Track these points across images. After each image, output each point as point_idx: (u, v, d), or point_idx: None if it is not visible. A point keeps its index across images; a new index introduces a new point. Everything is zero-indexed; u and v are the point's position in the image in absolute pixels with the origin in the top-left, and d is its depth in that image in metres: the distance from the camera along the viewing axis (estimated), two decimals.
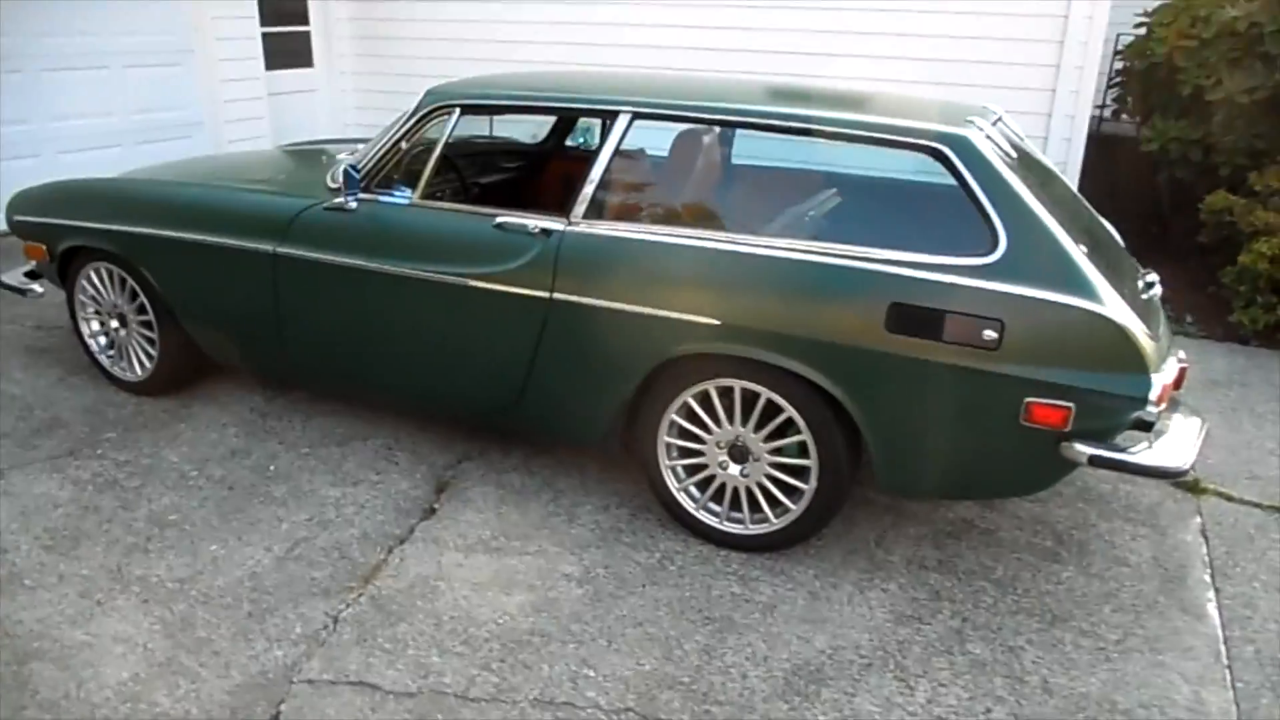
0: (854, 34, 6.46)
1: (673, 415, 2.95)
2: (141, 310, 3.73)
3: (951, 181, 2.70)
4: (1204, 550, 3.14)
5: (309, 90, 8.16)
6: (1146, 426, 2.69)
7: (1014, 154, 2.92)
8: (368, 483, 3.32)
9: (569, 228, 2.96)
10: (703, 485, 3.02)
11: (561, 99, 3.24)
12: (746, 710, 2.36)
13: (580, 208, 2.98)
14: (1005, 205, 2.62)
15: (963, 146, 2.68)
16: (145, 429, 3.65)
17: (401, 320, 3.22)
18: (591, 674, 2.46)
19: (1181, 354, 2.80)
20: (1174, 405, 2.88)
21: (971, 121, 2.80)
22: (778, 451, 2.87)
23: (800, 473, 2.85)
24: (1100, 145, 6.92)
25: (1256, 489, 3.51)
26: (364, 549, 2.95)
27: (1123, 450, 2.57)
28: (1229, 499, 3.46)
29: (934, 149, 2.71)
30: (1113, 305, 2.51)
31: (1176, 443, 2.70)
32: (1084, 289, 2.52)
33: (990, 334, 2.53)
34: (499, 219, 3.04)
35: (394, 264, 3.14)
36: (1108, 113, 8.17)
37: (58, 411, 3.77)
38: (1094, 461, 2.56)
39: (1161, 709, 2.42)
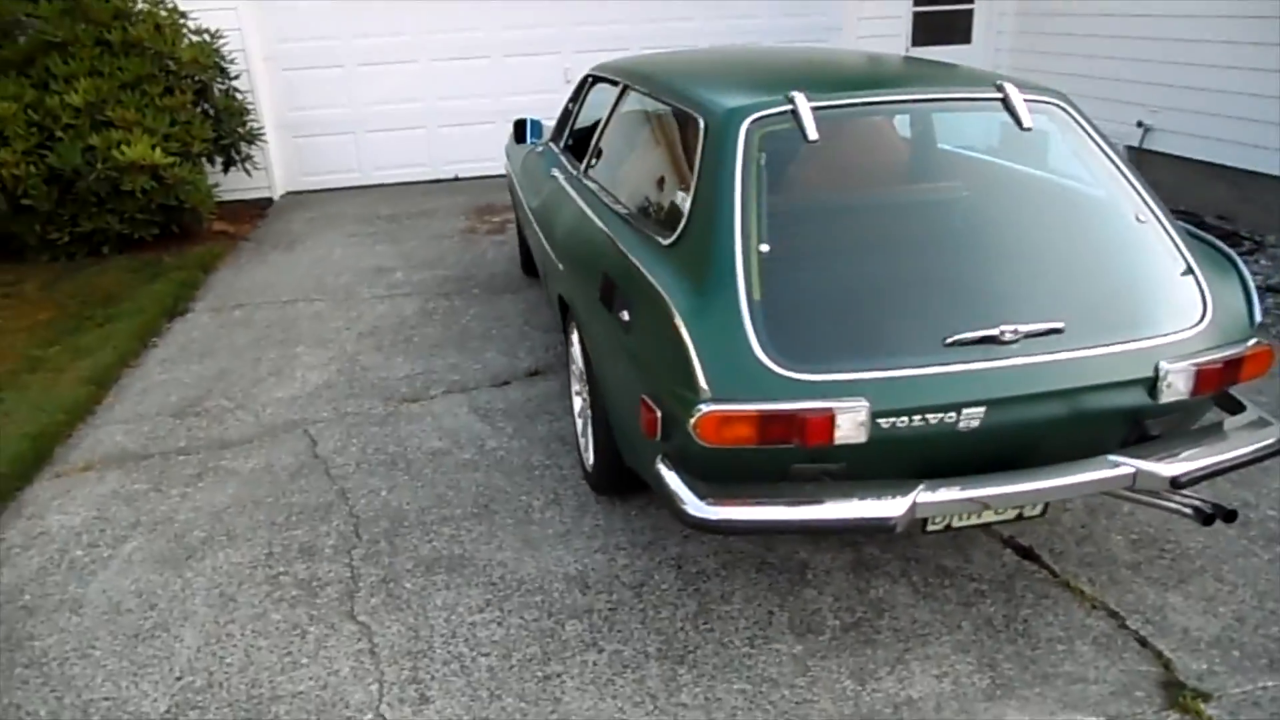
0: None
1: (573, 349, 3.35)
2: None
3: None
4: None
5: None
6: None
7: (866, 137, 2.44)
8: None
9: (569, 176, 3.53)
10: None
11: (614, 76, 3.61)
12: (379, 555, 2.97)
13: (588, 159, 3.50)
14: (702, 186, 2.39)
15: (716, 121, 2.48)
16: (496, 294, 5.35)
17: (533, 235, 4.19)
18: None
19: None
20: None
21: (788, 98, 2.46)
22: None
23: None
24: None
25: None
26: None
27: (680, 488, 2.19)
28: None
29: (697, 122, 2.55)
30: (706, 310, 2.16)
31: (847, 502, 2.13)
32: (694, 287, 2.22)
33: (625, 315, 2.44)
34: (553, 169, 3.75)
35: (523, 191, 4.12)
36: None
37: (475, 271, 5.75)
38: (655, 483, 2.27)
39: None
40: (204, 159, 6.54)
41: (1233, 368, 2.27)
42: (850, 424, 2.06)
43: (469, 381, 4.19)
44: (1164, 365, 2.21)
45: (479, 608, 2.71)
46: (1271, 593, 2.61)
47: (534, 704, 2.35)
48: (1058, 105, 2.59)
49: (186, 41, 6.54)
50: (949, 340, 2.15)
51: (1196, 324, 2.30)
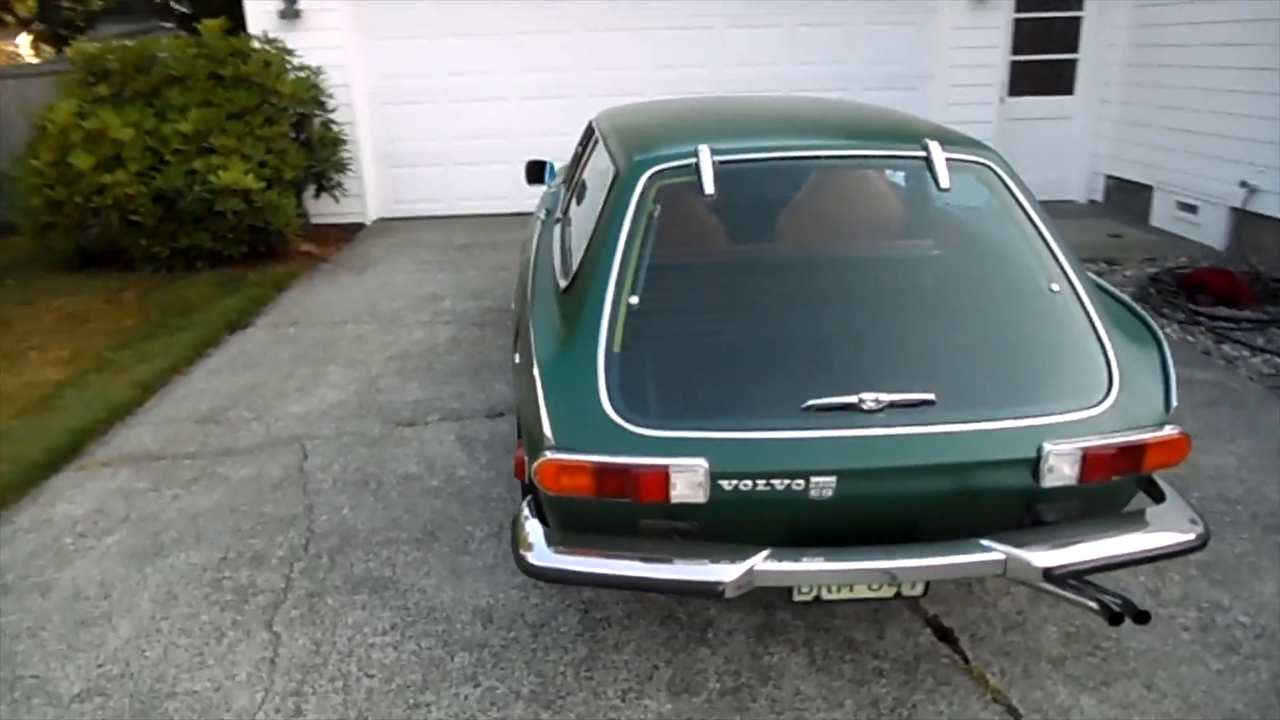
0: None
1: None
2: None
3: None
4: None
5: (1062, 118, 8.05)
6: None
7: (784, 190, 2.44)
8: None
9: (546, 219, 3.62)
10: None
11: (595, 123, 3.67)
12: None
13: (565, 204, 3.59)
14: (596, 234, 2.43)
15: (624, 172, 2.52)
16: None
17: None
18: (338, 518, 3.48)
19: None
20: None
21: (691, 151, 2.46)
22: None
23: None
24: None
25: None
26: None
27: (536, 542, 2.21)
28: None
29: (612, 172, 2.59)
30: (564, 358, 2.19)
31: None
32: (563, 334, 2.26)
33: (517, 358, 2.49)
34: (542, 212, 3.85)
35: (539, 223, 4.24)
36: None
37: None
38: (512, 526, 2.30)
39: None
40: (296, 185, 7.02)
41: (1131, 454, 2.10)
42: (686, 483, 2.04)
43: (466, 410, 4.32)
44: (1047, 447, 2.08)
45: (384, 630, 2.79)
46: (1203, 706, 2.38)
47: None
48: (986, 165, 2.49)
49: (292, 77, 7.07)
50: (806, 405, 2.09)
51: (1096, 404, 2.15)
